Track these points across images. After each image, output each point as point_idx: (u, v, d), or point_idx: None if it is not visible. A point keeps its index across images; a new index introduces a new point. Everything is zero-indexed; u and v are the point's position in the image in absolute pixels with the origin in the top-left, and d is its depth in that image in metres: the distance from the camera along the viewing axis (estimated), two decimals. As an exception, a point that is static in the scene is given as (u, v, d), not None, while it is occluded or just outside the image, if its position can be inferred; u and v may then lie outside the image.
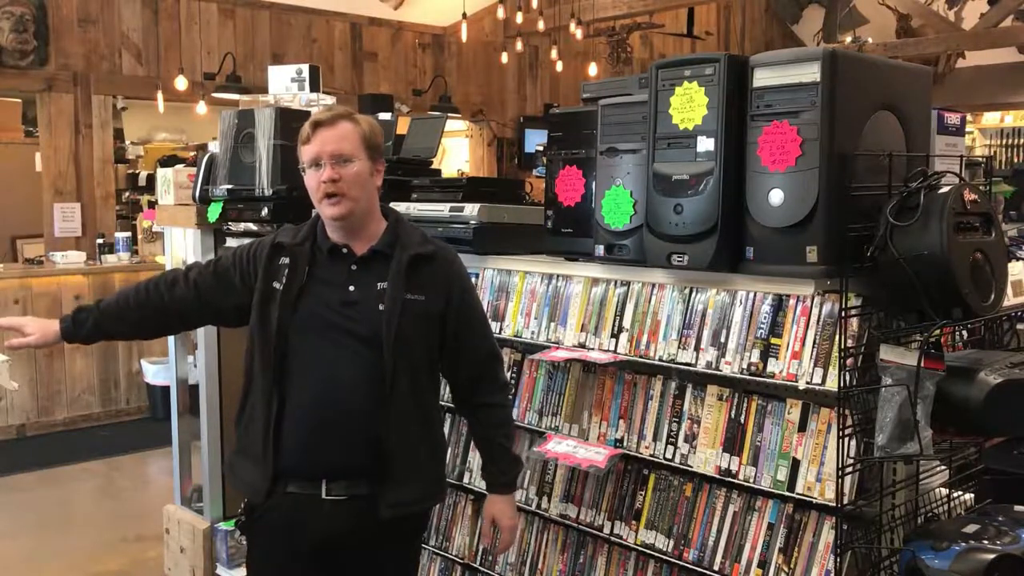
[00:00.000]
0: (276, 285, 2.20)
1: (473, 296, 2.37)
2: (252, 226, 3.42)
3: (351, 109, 2.30)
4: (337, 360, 2.15)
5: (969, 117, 4.13)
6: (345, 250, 2.21)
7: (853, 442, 2.08)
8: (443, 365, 2.31)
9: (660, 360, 2.40)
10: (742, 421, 2.27)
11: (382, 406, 2.14)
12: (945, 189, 2.03)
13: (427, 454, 2.27)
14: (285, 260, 2.22)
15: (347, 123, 2.17)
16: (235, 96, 6.12)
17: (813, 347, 2.12)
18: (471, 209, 2.86)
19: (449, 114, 8.18)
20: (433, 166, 3.76)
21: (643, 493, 2.49)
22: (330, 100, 4.12)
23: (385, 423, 2.14)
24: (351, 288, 2.18)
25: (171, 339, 4.18)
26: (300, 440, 2.15)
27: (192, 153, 8.52)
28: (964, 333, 2.47)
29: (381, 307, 2.15)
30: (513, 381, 2.79)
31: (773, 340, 2.19)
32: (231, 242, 3.63)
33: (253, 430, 2.21)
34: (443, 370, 2.33)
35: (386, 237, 2.22)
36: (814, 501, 2.13)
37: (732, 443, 2.28)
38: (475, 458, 2.89)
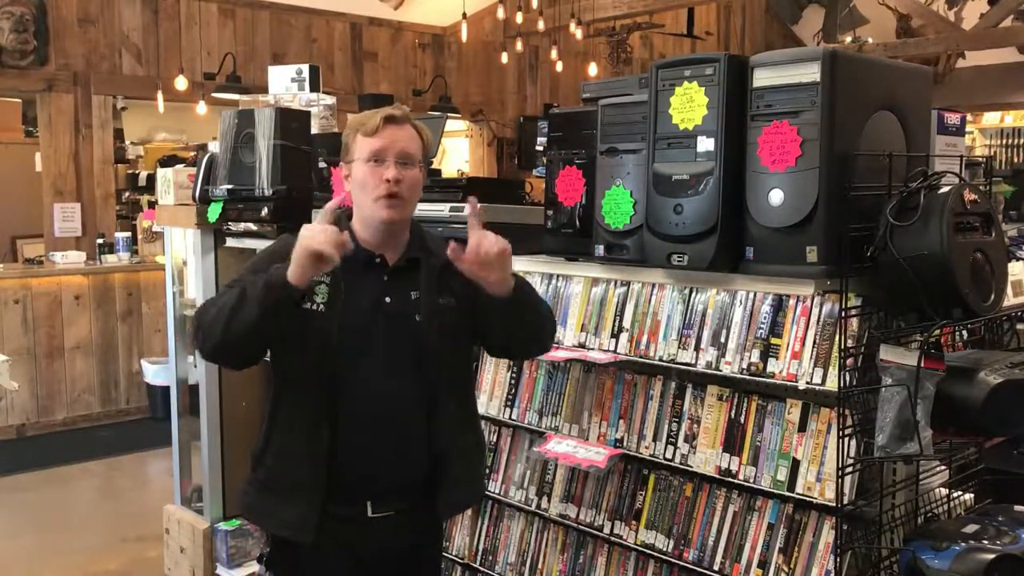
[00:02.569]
0: (312, 307, 2.03)
1: None
2: (252, 226, 3.42)
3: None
4: (386, 378, 2.07)
5: (969, 117, 4.13)
6: (379, 260, 2.11)
7: (853, 442, 2.08)
8: (483, 330, 2.19)
9: (660, 360, 2.40)
10: (742, 421, 2.27)
11: (433, 418, 2.10)
12: (945, 189, 2.03)
13: (476, 453, 2.28)
14: (318, 277, 2.02)
15: (412, 127, 2.11)
16: (235, 96, 6.12)
17: (813, 347, 2.12)
18: (471, 209, 2.86)
19: (449, 114, 8.17)
20: (433, 166, 3.76)
21: (643, 493, 2.49)
22: (330, 100, 4.12)
23: (438, 435, 2.11)
24: (387, 300, 2.10)
25: (171, 339, 4.18)
26: (356, 466, 2.06)
27: (192, 153, 8.52)
28: (964, 333, 2.47)
29: (418, 317, 2.09)
30: (513, 381, 2.80)
31: (773, 340, 2.19)
32: (231, 242, 3.63)
33: (290, 464, 2.09)
34: (484, 336, 2.21)
35: (414, 245, 2.16)
36: (814, 501, 2.13)
37: (732, 443, 2.28)
38: (475, 458, 2.89)
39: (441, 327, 2.10)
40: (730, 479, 2.28)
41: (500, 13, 8.84)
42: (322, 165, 3.41)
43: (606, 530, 2.55)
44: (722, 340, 2.28)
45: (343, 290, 2.05)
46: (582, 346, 2.58)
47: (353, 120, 2.14)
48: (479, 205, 2.04)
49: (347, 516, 2.08)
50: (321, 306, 2.04)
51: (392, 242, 2.12)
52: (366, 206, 2.07)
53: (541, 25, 8.62)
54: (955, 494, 2.41)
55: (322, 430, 2.04)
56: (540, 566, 2.74)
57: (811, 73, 2.05)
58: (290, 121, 3.35)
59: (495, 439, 2.87)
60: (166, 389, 6.15)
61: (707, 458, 2.32)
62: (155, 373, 6.82)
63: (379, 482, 2.08)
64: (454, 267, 2.04)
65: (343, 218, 2.10)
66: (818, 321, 2.12)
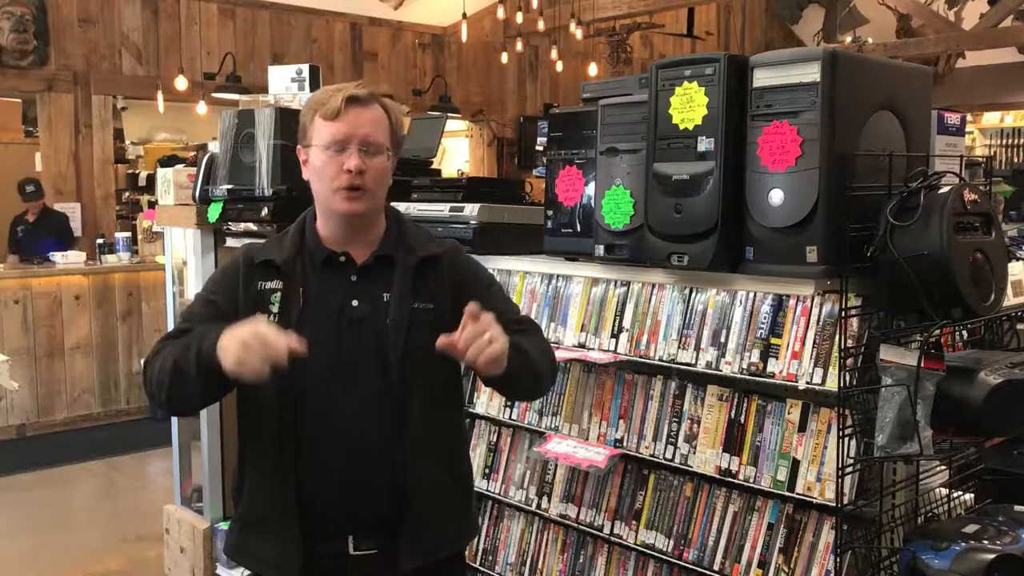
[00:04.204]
0: (266, 319, 1.78)
1: (481, 276, 2.06)
2: (252, 226, 3.42)
3: (381, 88, 1.97)
4: (350, 392, 1.84)
5: (969, 117, 4.13)
6: (343, 258, 1.89)
7: (853, 442, 2.08)
8: None
9: (660, 360, 2.40)
10: (742, 421, 2.27)
11: (399, 439, 1.85)
12: (945, 189, 2.03)
13: (451, 488, 1.97)
14: (272, 284, 1.85)
15: (380, 106, 1.87)
16: (235, 96, 6.12)
17: (813, 347, 2.12)
18: (471, 209, 2.86)
19: (449, 114, 8.17)
20: (433, 166, 3.76)
21: (643, 493, 2.49)
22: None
23: (402, 459, 1.85)
24: (354, 303, 1.86)
25: (171, 339, 4.18)
26: (327, 496, 1.84)
27: (192, 153, 8.51)
28: (964, 333, 2.47)
29: (388, 320, 1.85)
30: (513, 381, 2.79)
31: (773, 340, 2.19)
32: (231, 242, 3.63)
33: (265, 498, 1.90)
34: None
35: (388, 240, 1.92)
36: (814, 501, 2.13)
37: (732, 443, 2.28)
38: (475, 458, 2.89)
39: (411, 334, 1.84)
40: (730, 479, 2.28)
41: (500, 13, 8.84)
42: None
43: (606, 530, 2.55)
44: (722, 340, 2.28)
45: (301, 298, 1.84)
46: (582, 346, 2.58)
47: (313, 98, 1.89)
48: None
49: (327, 553, 1.86)
50: (276, 317, 1.81)
51: (359, 238, 1.90)
52: (324, 197, 1.86)
53: (541, 25, 8.62)
54: (955, 494, 2.41)
55: (288, 457, 1.84)
56: (540, 566, 2.74)
57: (811, 73, 2.05)
58: (290, 121, 3.34)
59: (495, 439, 2.87)
60: (166, 389, 6.14)
61: (707, 458, 2.32)
62: (155, 373, 6.81)
63: (351, 515, 1.86)
64: (434, 265, 1.90)
65: (308, 218, 1.93)
66: (818, 321, 2.12)
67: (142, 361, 1.90)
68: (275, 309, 1.84)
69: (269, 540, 1.88)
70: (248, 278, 1.89)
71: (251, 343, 1.62)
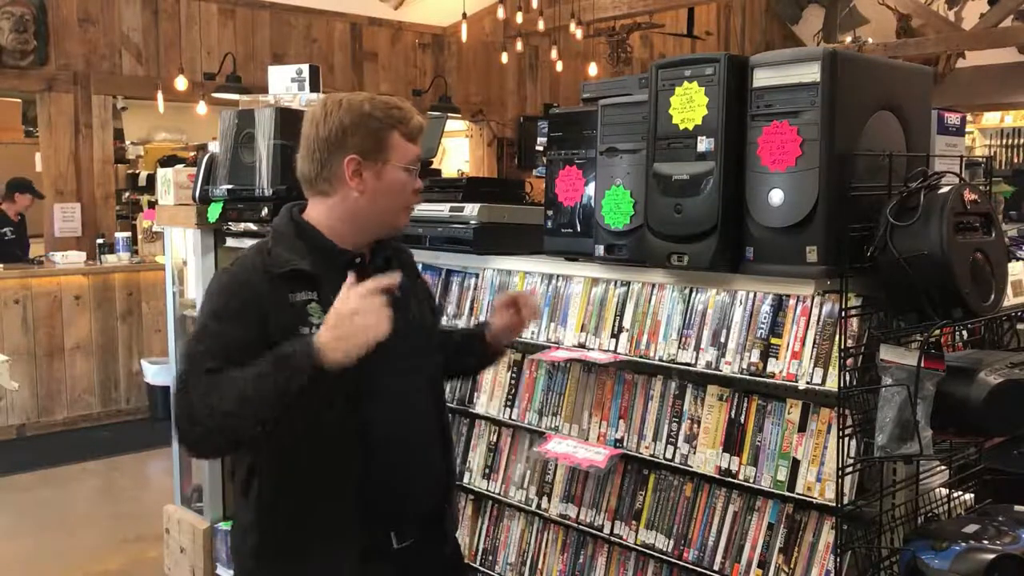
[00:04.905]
0: (309, 330, 1.71)
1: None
2: (252, 226, 3.42)
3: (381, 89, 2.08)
4: (404, 386, 1.88)
5: (969, 117, 4.13)
6: (359, 260, 1.88)
7: (853, 442, 2.08)
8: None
9: (660, 360, 2.40)
10: (742, 421, 2.27)
11: (443, 425, 1.97)
12: (945, 189, 2.03)
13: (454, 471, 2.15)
14: (304, 295, 1.77)
15: None
16: (235, 96, 6.12)
17: (813, 347, 2.12)
18: (471, 209, 2.86)
19: (449, 114, 8.18)
20: (433, 166, 3.76)
21: (643, 493, 2.49)
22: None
23: (446, 448, 1.99)
24: None
25: (171, 339, 4.18)
26: (388, 492, 1.85)
27: (192, 153, 8.53)
28: (964, 333, 2.47)
29: (411, 316, 1.92)
30: (513, 381, 2.80)
31: (773, 340, 2.19)
32: (231, 242, 3.63)
33: (319, 515, 1.82)
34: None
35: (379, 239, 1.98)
36: (814, 501, 2.13)
37: (732, 443, 2.28)
38: (475, 458, 2.90)
39: (427, 323, 2.01)
40: (730, 479, 2.28)
41: (500, 13, 8.85)
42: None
43: (606, 530, 2.55)
44: (722, 340, 2.28)
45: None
46: (582, 346, 2.58)
47: (382, 111, 1.83)
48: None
49: (372, 552, 1.86)
50: (316, 328, 1.71)
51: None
52: (387, 213, 1.86)
53: (541, 25, 8.62)
54: (955, 494, 2.41)
55: (353, 469, 1.82)
56: (540, 566, 2.74)
57: (811, 73, 2.05)
58: (290, 121, 3.35)
59: (495, 439, 2.87)
60: (166, 389, 6.16)
61: (707, 458, 2.32)
62: (155, 373, 6.82)
63: (410, 506, 1.90)
64: (396, 254, 1.98)
65: (304, 221, 1.86)
66: (818, 321, 2.12)
67: (173, 414, 1.73)
68: (315, 320, 1.74)
69: (315, 551, 1.82)
70: (276, 291, 1.76)
71: (366, 307, 1.60)
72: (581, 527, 2.62)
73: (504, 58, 9.34)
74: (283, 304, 1.75)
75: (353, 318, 1.60)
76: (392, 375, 1.84)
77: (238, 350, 1.69)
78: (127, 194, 9.42)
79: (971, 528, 2.05)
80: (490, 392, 2.84)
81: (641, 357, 2.44)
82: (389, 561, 1.88)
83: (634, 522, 2.49)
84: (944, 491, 2.39)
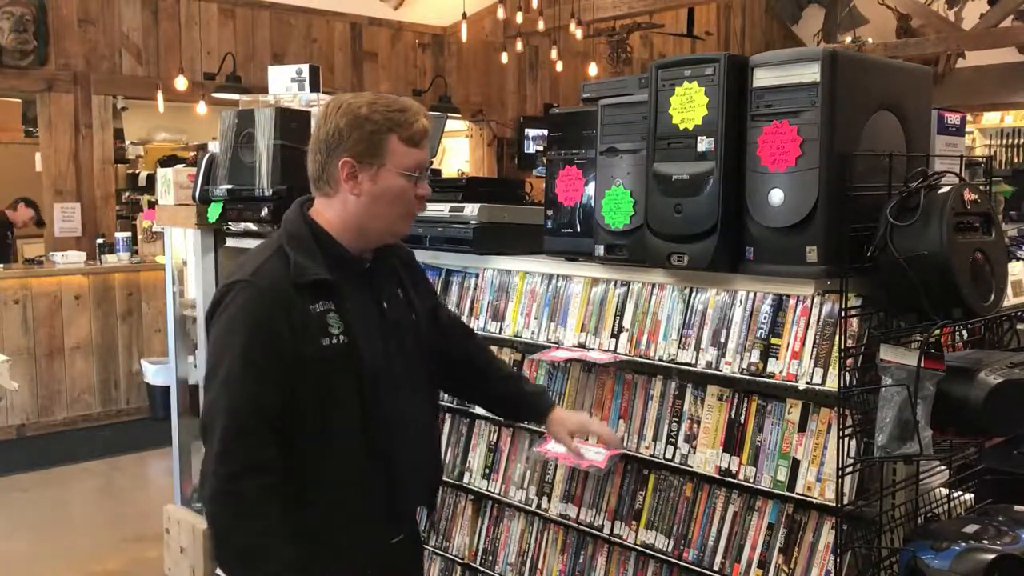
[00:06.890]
0: (329, 341, 1.76)
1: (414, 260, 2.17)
2: (252, 226, 3.42)
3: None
4: (408, 391, 1.92)
5: (969, 117, 4.13)
6: (367, 264, 1.92)
7: (853, 442, 2.07)
8: (438, 349, 2.11)
9: (660, 360, 2.40)
10: (742, 421, 2.27)
11: (436, 427, 2.05)
12: (945, 189, 2.03)
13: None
14: (323, 305, 1.77)
15: None
16: (235, 96, 6.12)
17: (813, 347, 2.12)
18: (471, 209, 2.86)
19: (449, 114, 8.18)
20: (433, 166, 3.76)
21: (643, 493, 2.49)
22: (331, 100, 4.12)
23: (438, 447, 2.08)
24: (385, 305, 1.91)
25: (171, 339, 4.19)
26: (412, 500, 1.99)
27: (192, 153, 8.53)
28: (964, 333, 2.46)
29: (414, 316, 1.97)
30: (513, 381, 2.79)
31: (773, 340, 2.19)
32: (231, 242, 3.63)
33: (348, 510, 1.85)
34: (438, 355, 2.10)
35: None
36: (814, 501, 2.13)
37: (732, 443, 2.28)
38: (475, 458, 2.89)
39: (427, 323, 2.06)
40: (730, 479, 2.28)
41: (500, 13, 8.85)
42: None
43: (606, 530, 2.55)
44: (722, 340, 2.28)
45: (352, 311, 1.82)
46: (582, 346, 2.58)
47: (381, 114, 1.81)
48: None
49: (372, 547, 1.92)
50: (342, 337, 1.77)
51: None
52: (388, 219, 1.85)
53: (541, 25, 8.63)
54: (955, 494, 2.40)
55: (378, 470, 1.86)
56: (540, 566, 2.74)
57: (811, 73, 2.05)
58: (290, 121, 3.35)
59: (495, 439, 2.87)
60: (166, 389, 6.14)
61: (707, 458, 2.32)
62: (155, 373, 6.83)
63: (414, 505, 2.02)
64: (395, 254, 2.00)
65: (317, 227, 1.86)
66: (818, 321, 2.12)
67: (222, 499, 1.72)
68: (336, 331, 1.77)
69: (321, 555, 1.83)
70: (302, 303, 1.77)
71: None
72: (581, 527, 2.62)
73: (504, 58, 9.35)
74: (307, 314, 1.76)
75: None
76: (391, 377, 1.90)
77: (274, 416, 1.72)
78: (127, 194, 9.43)
79: (971, 528, 2.05)
80: (490, 392, 2.83)
81: (641, 357, 2.44)
82: (383, 556, 1.95)
83: (634, 522, 2.49)
84: (944, 491, 2.39)
